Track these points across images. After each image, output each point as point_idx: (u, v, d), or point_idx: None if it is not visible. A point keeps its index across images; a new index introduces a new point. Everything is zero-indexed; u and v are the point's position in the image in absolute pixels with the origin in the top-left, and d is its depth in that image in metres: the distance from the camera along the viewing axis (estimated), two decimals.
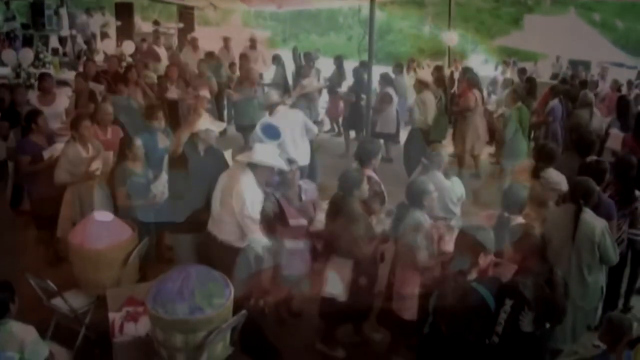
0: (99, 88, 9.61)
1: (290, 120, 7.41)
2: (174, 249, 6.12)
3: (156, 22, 18.22)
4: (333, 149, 11.56)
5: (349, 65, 13.17)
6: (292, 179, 5.54)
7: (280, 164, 5.42)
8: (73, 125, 6.43)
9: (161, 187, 6.08)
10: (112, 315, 4.90)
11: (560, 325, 4.76)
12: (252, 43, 15.15)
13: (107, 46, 16.21)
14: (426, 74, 12.38)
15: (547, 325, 4.08)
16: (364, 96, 11.51)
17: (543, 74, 17.97)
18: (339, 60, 13.98)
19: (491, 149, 11.76)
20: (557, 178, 5.78)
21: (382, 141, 9.42)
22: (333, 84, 13.36)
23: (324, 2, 16.86)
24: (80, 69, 11.81)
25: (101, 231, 5.26)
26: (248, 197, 5.15)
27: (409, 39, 26.84)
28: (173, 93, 10.56)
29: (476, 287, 4.16)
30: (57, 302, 5.16)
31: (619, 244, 5.58)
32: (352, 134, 12.22)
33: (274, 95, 8.01)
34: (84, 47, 16.91)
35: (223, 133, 7.59)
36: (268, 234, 5.47)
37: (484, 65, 20.56)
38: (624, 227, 5.80)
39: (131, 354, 4.63)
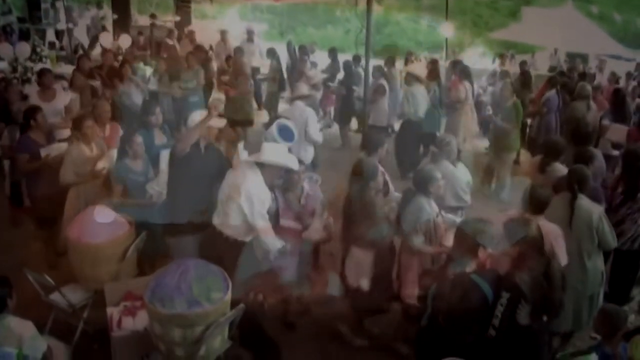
0: (94, 84, 9.55)
1: (298, 117, 7.40)
2: (173, 251, 5.76)
3: (153, 16, 18.15)
4: (328, 143, 11.49)
5: (347, 58, 13.10)
6: (296, 181, 5.53)
7: (291, 163, 5.41)
8: (76, 126, 6.39)
9: (158, 187, 6.00)
10: (110, 310, 4.91)
11: (563, 312, 4.82)
12: (250, 36, 15.12)
13: (104, 40, 16.15)
14: (420, 67, 12.36)
15: (544, 318, 4.09)
16: (355, 88, 11.55)
17: (540, 66, 17.98)
18: (333, 53, 13.95)
19: (485, 143, 11.81)
20: (561, 171, 5.88)
21: None
22: (327, 77, 13.36)
23: None
24: (76, 63, 11.69)
25: (99, 226, 5.26)
26: (256, 196, 5.16)
27: (406, 32, 26.77)
28: (152, 85, 10.51)
29: (474, 279, 4.17)
30: (55, 297, 5.17)
31: (634, 239, 5.62)
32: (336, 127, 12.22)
33: (304, 88, 7.94)
34: (81, 40, 16.87)
35: None
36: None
37: (482, 58, 20.55)
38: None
39: (129, 349, 4.65)
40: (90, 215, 5.38)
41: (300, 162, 5.82)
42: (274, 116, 8.92)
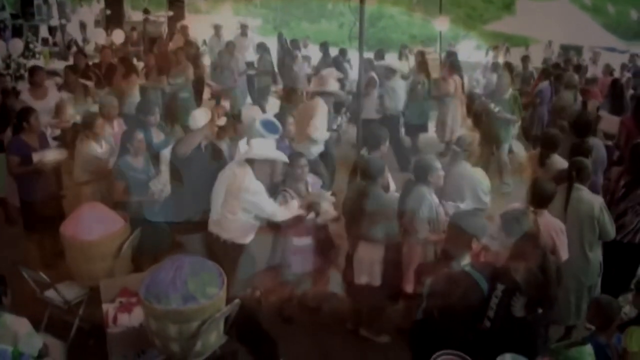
0: (88, 84, 9.41)
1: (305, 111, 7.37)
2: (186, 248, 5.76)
3: (146, 11, 18.09)
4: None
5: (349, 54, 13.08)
6: (300, 174, 5.53)
7: (279, 155, 5.41)
8: (86, 125, 6.36)
9: (160, 185, 5.98)
10: (105, 306, 4.91)
11: (565, 302, 4.85)
12: (243, 30, 15.08)
13: (97, 35, 16.11)
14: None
15: (539, 311, 4.10)
16: (346, 82, 11.53)
17: (534, 59, 17.96)
18: (324, 47, 13.92)
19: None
20: (561, 164, 5.92)
21: None
22: (318, 71, 13.32)
23: None
24: (71, 61, 11.58)
25: (93, 222, 5.25)
26: (251, 191, 5.16)
27: (400, 25, 26.75)
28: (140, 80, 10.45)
29: (469, 271, 4.20)
30: (51, 294, 5.16)
31: (636, 232, 5.65)
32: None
33: (331, 83, 7.88)
34: (74, 36, 16.79)
35: None
36: (274, 231, 5.54)
37: (476, 50, 20.54)
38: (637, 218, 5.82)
39: (125, 345, 4.65)
40: (84, 212, 5.38)
41: (303, 156, 5.80)
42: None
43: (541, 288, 4.05)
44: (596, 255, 5.28)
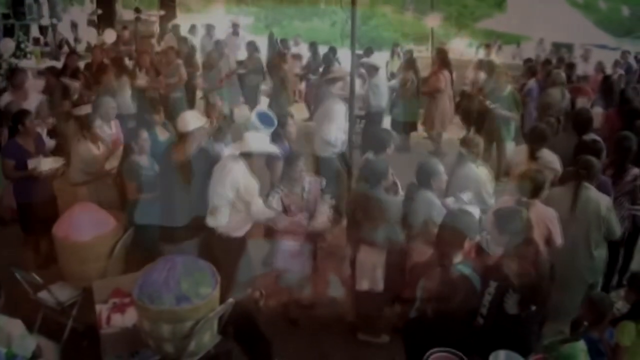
0: (73, 85, 9.18)
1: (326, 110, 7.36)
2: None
3: (138, 10, 18.03)
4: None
5: (340, 53, 13.07)
6: (298, 175, 5.52)
7: (272, 149, 5.41)
8: (84, 125, 6.33)
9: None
10: (99, 307, 4.91)
11: (569, 301, 4.87)
12: (235, 29, 15.05)
13: (89, 35, 16.06)
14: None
15: (532, 308, 4.12)
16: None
17: (526, 56, 18.00)
18: (313, 47, 13.90)
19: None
20: (551, 157, 6.03)
21: None
22: (309, 71, 13.32)
23: None
24: (63, 61, 11.41)
25: (86, 223, 5.25)
26: (243, 186, 5.16)
27: (392, 24, 26.75)
28: (142, 80, 10.43)
29: (462, 269, 4.21)
30: (44, 295, 5.16)
31: (621, 221, 5.69)
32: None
33: (341, 70, 7.80)
34: (65, 36, 16.72)
35: None
36: (267, 234, 5.55)
37: (468, 48, 20.56)
38: (626, 204, 5.90)
39: (119, 346, 4.64)
40: (76, 213, 5.37)
41: (300, 156, 5.75)
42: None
43: (534, 286, 4.06)
44: (601, 253, 5.31)
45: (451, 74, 11.26)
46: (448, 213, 4.72)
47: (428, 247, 5.00)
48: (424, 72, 11.66)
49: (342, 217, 6.35)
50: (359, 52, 11.22)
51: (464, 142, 6.05)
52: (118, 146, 6.53)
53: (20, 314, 4.24)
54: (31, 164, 6.07)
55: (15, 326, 4.03)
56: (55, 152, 7.06)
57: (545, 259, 4.30)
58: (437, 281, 4.32)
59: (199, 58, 13.17)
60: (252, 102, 12.48)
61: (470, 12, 26.04)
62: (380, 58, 14.49)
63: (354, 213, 5.38)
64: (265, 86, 13.13)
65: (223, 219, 5.23)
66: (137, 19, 17.10)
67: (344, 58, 11.28)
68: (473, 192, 5.66)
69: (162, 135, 6.60)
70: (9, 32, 16.02)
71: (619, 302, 5.39)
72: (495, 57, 14.59)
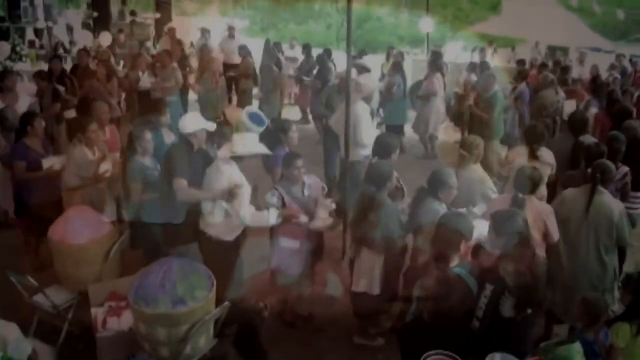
0: (60, 89, 9.22)
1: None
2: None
3: (133, 13, 18.04)
4: (309, 137, 11.49)
5: (334, 55, 13.08)
6: (297, 175, 5.52)
7: (261, 149, 5.42)
8: (80, 129, 6.32)
9: None
10: (94, 310, 4.90)
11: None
12: (231, 32, 15.05)
13: (84, 38, 16.03)
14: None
15: (529, 311, 4.12)
16: (330, 79, 11.56)
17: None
18: (307, 49, 13.92)
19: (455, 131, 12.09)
20: (548, 154, 6.23)
21: None
22: (302, 73, 13.34)
23: None
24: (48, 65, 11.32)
25: (81, 226, 5.24)
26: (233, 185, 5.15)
27: (387, 27, 26.81)
28: (147, 82, 10.40)
29: (458, 272, 4.22)
30: (39, 298, 5.13)
31: None
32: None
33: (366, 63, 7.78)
34: (60, 39, 16.69)
35: None
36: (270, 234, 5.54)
37: (464, 51, 20.62)
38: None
39: (115, 349, 4.64)
40: (72, 216, 5.36)
41: (299, 157, 5.70)
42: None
43: (530, 289, 4.07)
44: (612, 259, 5.24)
45: (444, 76, 11.32)
46: (444, 214, 4.72)
47: (426, 251, 5.03)
48: (420, 75, 11.71)
49: (341, 220, 6.39)
50: (353, 54, 11.26)
51: (464, 144, 6.04)
52: (113, 151, 6.51)
53: (15, 318, 4.23)
54: (46, 163, 6.20)
55: (11, 330, 4.02)
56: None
57: (542, 261, 4.31)
58: (432, 282, 4.33)
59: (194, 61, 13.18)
60: (243, 105, 12.48)
61: (465, 15, 26.15)
62: (376, 61, 14.59)
63: (357, 215, 5.37)
64: (257, 90, 13.10)
65: (215, 222, 5.23)
66: (133, 22, 17.11)
67: (340, 61, 11.26)
68: (479, 192, 5.67)
69: (168, 137, 6.59)
70: (4, 35, 15.98)
71: (615, 305, 5.38)
72: (491, 60, 14.66)
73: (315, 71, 12.43)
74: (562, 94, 9.55)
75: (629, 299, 4.40)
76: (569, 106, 9.49)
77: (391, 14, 26.95)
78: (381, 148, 5.92)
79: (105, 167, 6.23)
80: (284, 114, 13.13)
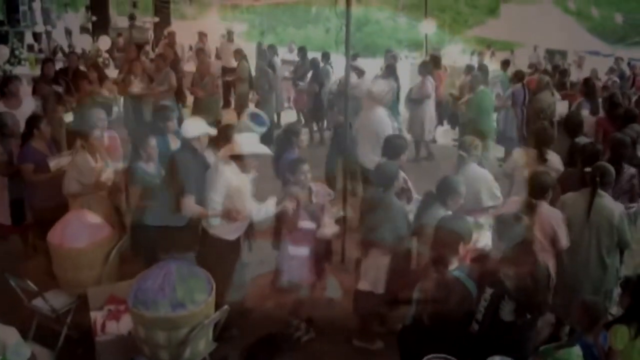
0: (57, 89, 9.22)
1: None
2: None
3: (132, 17, 18.04)
4: (307, 141, 11.47)
5: (333, 58, 13.09)
6: (303, 180, 5.52)
7: (263, 150, 5.42)
8: (83, 135, 6.31)
9: None
10: (94, 314, 4.90)
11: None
12: (229, 36, 15.07)
13: (83, 42, 16.05)
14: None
15: (528, 316, 4.12)
16: (326, 83, 11.60)
17: (520, 63, 18.12)
18: (302, 52, 13.93)
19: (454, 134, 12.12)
20: (556, 159, 6.18)
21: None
22: (296, 76, 13.36)
23: None
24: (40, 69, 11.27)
25: (80, 230, 5.23)
26: (235, 189, 5.14)
27: (386, 30, 26.86)
28: (137, 88, 10.38)
29: (458, 275, 4.22)
30: (38, 302, 5.12)
31: None
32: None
33: (385, 85, 7.84)
34: (59, 42, 16.72)
35: None
36: (275, 238, 5.57)
37: (462, 55, 20.68)
38: (626, 203, 5.84)
39: (114, 353, 4.64)
40: (71, 220, 5.36)
41: (304, 161, 5.71)
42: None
43: (530, 294, 4.07)
44: (614, 261, 5.27)
45: (435, 80, 11.36)
46: (442, 217, 4.73)
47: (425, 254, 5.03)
48: (417, 78, 11.72)
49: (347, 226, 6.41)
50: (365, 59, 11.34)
51: (462, 145, 6.06)
52: (113, 158, 6.49)
53: (14, 322, 4.21)
54: (52, 162, 6.20)
55: (9, 334, 4.01)
56: None
57: (543, 266, 4.30)
58: (432, 284, 4.33)
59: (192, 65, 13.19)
60: (240, 109, 12.48)
61: (464, 19, 26.21)
62: (374, 64, 14.62)
63: (364, 216, 5.38)
64: (252, 94, 13.10)
65: (218, 222, 5.23)
66: (132, 26, 17.12)
67: (338, 64, 11.28)
68: (485, 191, 5.69)
69: (174, 143, 6.55)
70: (3, 39, 16.01)
71: (614, 307, 5.39)
72: (489, 63, 14.70)
73: (309, 75, 12.49)
74: (557, 95, 9.61)
75: (627, 302, 4.41)
76: (561, 107, 9.60)
77: (390, 18, 27.00)
78: (391, 149, 5.92)
79: (107, 175, 6.20)
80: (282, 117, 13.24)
